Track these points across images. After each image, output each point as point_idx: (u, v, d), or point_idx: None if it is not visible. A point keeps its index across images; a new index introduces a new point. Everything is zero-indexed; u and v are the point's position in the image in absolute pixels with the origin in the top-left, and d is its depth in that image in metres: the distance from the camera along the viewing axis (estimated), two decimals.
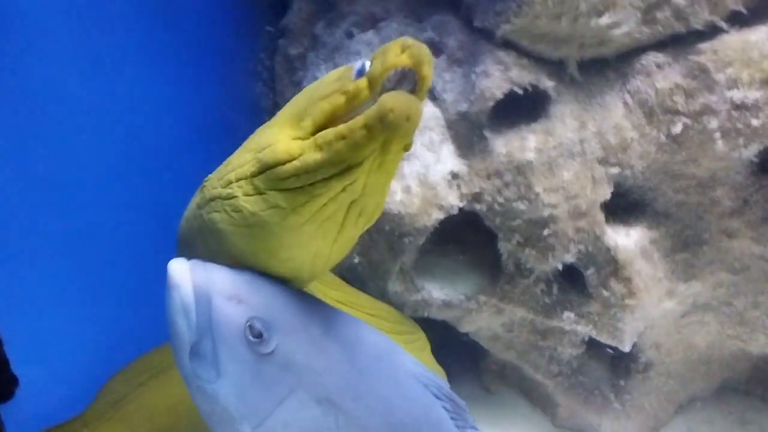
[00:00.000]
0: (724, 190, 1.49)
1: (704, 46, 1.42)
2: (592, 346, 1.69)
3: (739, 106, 1.39)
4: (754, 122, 1.38)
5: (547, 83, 1.53)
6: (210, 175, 1.08)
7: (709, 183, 1.50)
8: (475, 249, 1.69)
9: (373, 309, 1.65)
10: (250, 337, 0.96)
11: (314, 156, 0.87)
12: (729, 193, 1.49)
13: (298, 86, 2.01)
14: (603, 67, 1.53)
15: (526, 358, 1.76)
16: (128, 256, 1.82)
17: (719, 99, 1.40)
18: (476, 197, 1.59)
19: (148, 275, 1.83)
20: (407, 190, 1.58)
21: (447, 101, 1.63)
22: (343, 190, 0.89)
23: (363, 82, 0.86)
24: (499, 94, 1.53)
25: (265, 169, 0.92)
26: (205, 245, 1.05)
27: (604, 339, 1.59)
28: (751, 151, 1.43)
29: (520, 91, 1.53)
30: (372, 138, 0.83)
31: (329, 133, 0.86)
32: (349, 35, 1.90)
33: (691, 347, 1.70)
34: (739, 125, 1.40)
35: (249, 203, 0.95)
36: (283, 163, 0.89)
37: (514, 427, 1.81)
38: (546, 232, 1.55)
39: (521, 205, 1.55)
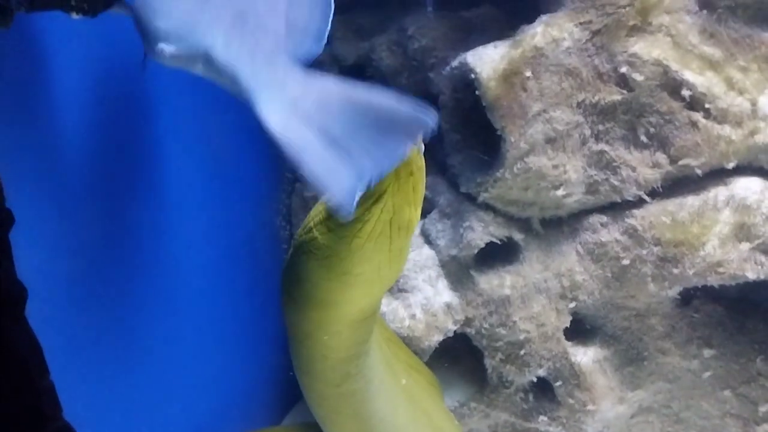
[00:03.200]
0: (657, 319, 1.91)
1: (635, 212, 1.84)
2: None
3: (663, 259, 1.83)
4: (675, 271, 1.81)
5: (518, 236, 1.96)
6: (296, 233, 1.43)
7: (645, 313, 1.91)
8: (466, 364, 2.09)
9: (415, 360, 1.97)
10: None
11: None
12: (661, 321, 1.91)
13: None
14: (559, 224, 1.94)
15: None
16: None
17: (648, 252, 1.84)
18: (467, 323, 2.00)
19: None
20: (413, 317, 1.98)
21: (440, 245, 2.06)
22: (381, 211, 1.23)
23: None
24: (481, 244, 1.95)
25: (332, 213, 1.28)
26: (299, 284, 1.41)
27: None
28: (674, 291, 1.84)
29: (498, 242, 1.97)
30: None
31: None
32: None
33: None
34: (664, 272, 1.83)
35: (325, 239, 1.31)
36: None
37: None
38: (522, 351, 1.96)
39: (502, 330, 1.96)
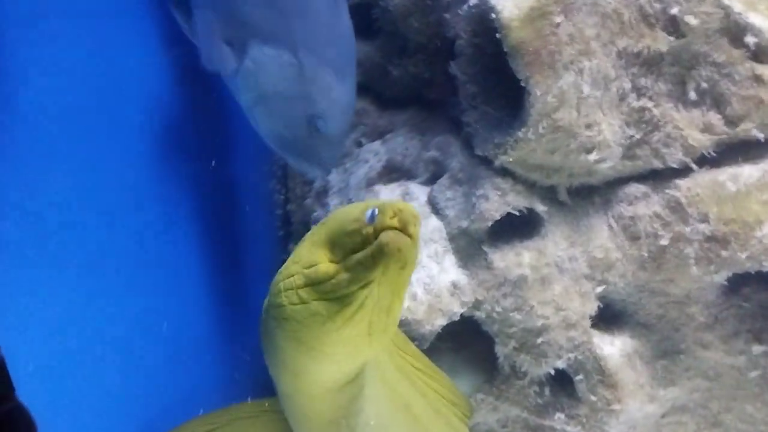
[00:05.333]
0: (698, 308, 1.66)
1: (679, 182, 1.61)
2: None
3: (710, 238, 1.57)
4: (723, 253, 1.56)
5: (540, 207, 1.71)
6: (273, 281, 1.32)
7: (685, 300, 1.66)
8: (474, 351, 1.84)
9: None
10: None
11: (344, 276, 1.16)
12: (702, 310, 1.66)
13: (309, 185, 2.18)
14: (590, 194, 1.71)
15: None
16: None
17: (692, 230, 1.58)
18: (476, 305, 1.75)
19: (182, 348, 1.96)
20: (414, 297, 1.73)
21: (449, 216, 1.80)
22: (366, 297, 1.15)
23: (370, 229, 1.15)
24: (496, 216, 1.70)
25: (311, 284, 1.19)
26: (271, 347, 1.33)
27: None
28: (721, 277, 1.60)
29: (516, 213, 1.70)
30: (376, 263, 1.12)
31: (352, 259, 1.16)
32: (358, 144, 2.08)
33: None
34: (711, 254, 1.58)
35: (296, 312, 1.21)
36: (324, 281, 1.17)
37: None
38: (539, 340, 1.70)
39: (517, 315, 1.71)
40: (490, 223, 1.71)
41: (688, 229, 1.59)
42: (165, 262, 1.98)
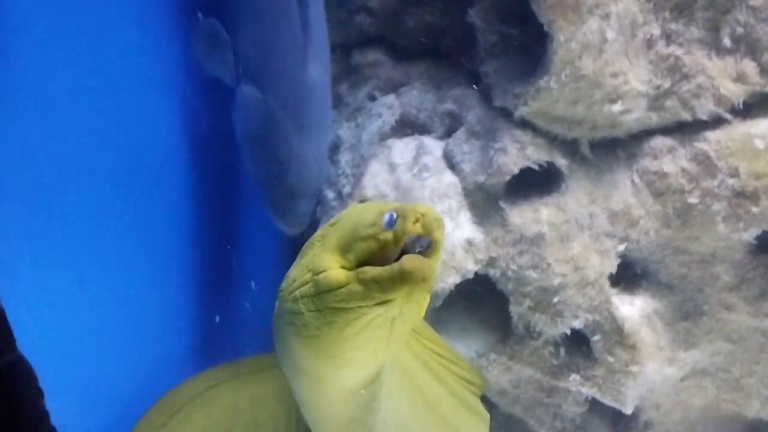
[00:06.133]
0: (723, 267, 1.59)
1: (709, 134, 1.53)
2: (596, 404, 1.78)
3: (740, 194, 1.49)
4: (754, 209, 1.48)
5: (561, 161, 1.63)
6: (282, 285, 1.23)
7: (709, 259, 1.60)
8: (487, 310, 1.78)
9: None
10: None
11: (358, 288, 1.05)
12: (728, 269, 1.59)
13: None
14: (614, 148, 1.63)
15: (532, 413, 1.85)
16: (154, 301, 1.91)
17: (721, 185, 1.51)
18: (491, 263, 1.69)
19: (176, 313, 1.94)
20: None
21: (465, 171, 1.73)
22: (384, 312, 1.06)
23: (390, 235, 1.04)
24: (515, 170, 1.63)
25: (321, 291, 1.09)
26: (286, 352, 1.25)
27: (607, 401, 1.68)
28: (750, 234, 1.53)
29: (536, 167, 1.63)
30: (396, 288, 1.02)
31: (368, 273, 1.04)
32: (371, 98, 2.00)
33: (689, 408, 1.78)
34: (740, 211, 1.50)
35: (312, 318, 1.12)
36: (335, 289, 1.07)
37: None
38: (556, 299, 1.65)
39: (533, 273, 1.65)
40: (507, 178, 1.64)
41: (716, 184, 1.51)
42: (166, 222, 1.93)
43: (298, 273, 1.18)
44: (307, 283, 1.13)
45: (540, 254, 1.63)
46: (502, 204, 1.67)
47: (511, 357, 1.76)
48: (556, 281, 1.63)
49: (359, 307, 1.04)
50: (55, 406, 1.37)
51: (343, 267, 1.08)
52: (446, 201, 1.72)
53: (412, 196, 1.72)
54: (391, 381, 1.34)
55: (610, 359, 1.63)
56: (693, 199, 1.54)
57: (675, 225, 1.58)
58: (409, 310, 1.06)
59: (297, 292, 1.15)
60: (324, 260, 1.11)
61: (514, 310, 1.72)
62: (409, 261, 1.00)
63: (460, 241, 1.68)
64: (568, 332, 1.67)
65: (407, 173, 1.76)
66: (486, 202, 1.70)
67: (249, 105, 1.77)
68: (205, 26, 1.80)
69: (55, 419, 1.47)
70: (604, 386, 1.66)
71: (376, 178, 1.78)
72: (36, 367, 1.29)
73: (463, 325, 1.80)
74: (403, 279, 1.00)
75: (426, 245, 1.03)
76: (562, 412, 1.81)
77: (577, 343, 1.69)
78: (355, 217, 1.15)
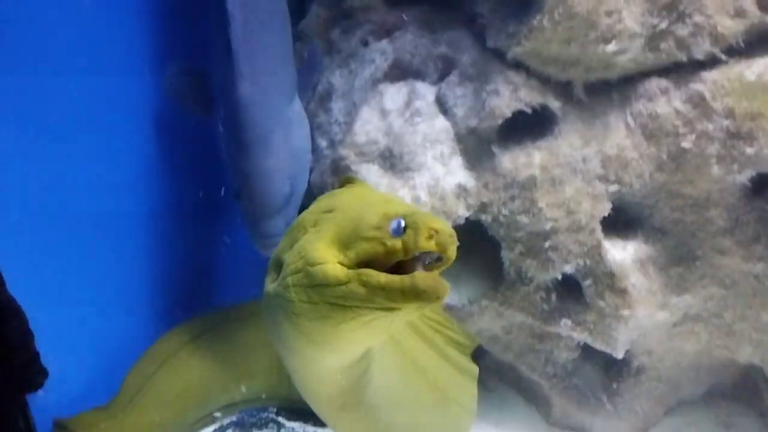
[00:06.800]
0: (717, 211, 1.57)
1: (704, 75, 1.49)
2: (587, 350, 1.78)
3: (734, 135, 1.46)
4: (748, 150, 1.45)
5: (554, 103, 1.61)
6: (271, 263, 1.23)
7: (703, 203, 1.57)
8: (479, 256, 1.77)
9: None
10: None
11: (359, 290, 1.01)
12: (722, 213, 1.57)
13: (312, 89, 2.07)
14: (608, 90, 1.60)
15: (524, 359, 1.85)
16: (144, 249, 1.92)
17: (716, 127, 1.48)
18: (482, 208, 1.67)
19: (165, 268, 1.94)
20: (417, 200, 1.66)
21: (457, 116, 1.70)
22: (386, 315, 1.04)
23: (399, 244, 1.00)
24: (507, 113, 1.60)
25: (316, 285, 1.06)
26: (277, 332, 1.23)
27: (598, 346, 1.68)
28: (744, 176, 1.50)
29: (529, 110, 1.61)
30: (406, 302, 0.99)
31: (372, 277, 1.01)
32: (365, 43, 1.96)
33: (682, 354, 1.78)
34: (734, 152, 1.47)
35: (304, 310, 1.09)
36: (332, 285, 1.04)
37: (510, 423, 1.90)
38: (547, 244, 1.63)
39: (524, 218, 1.63)
40: (500, 121, 1.62)
41: (711, 126, 1.48)
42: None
43: (291, 259, 1.13)
44: (299, 271, 1.09)
45: (531, 199, 1.62)
46: (494, 149, 1.65)
47: (502, 303, 1.75)
48: (548, 226, 1.61)
49: (358, 307, 1.02)
50: (49, 358, 1.40)
51: (340, 263, 1.04)
52: (438, 146, 1.70)
53: (404, 141, 1.69)
54: (382, 353, 1.33)
55: (601, 304, 1.63)
56: (687, 143, 1.52)
57: (669, 168, 1.56)
58: (412, 312, 1.04)
59: (288, 279, 1.11)
60: (319, 251, 1.07)
61: (505, 256, 1.71)
62: (423, 280, 0.97)
63: (452, 187, 1.67)
64: (560, 277, 1.66)
65: (399, 119, 1.73)
66: (478, 146, 1.68)
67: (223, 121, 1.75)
68: (174, 71, 1.82)
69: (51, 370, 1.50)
70: (595, 331, 1.66)
71: (368, 125, 1.76)
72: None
73: (455, 273, 1.78)
74: (416, 296, 0.97)
75: (435, 258, 1.01)
76: (553, 358, 1.81)
77: (569, 288, 1.69)
78: (354, 211, 1.12)
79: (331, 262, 1.04)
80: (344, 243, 1.05)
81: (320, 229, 1.13)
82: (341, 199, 1.22)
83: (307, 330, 1.13)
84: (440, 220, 1.02)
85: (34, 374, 1.51)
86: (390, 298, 0.99)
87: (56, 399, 1.67)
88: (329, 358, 1.21)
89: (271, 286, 1.22)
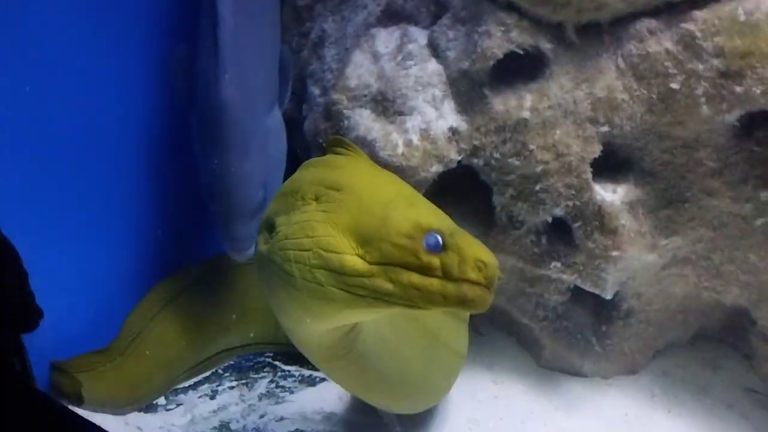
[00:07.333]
0: (707, 152, 1.58)
1: (695, 14, 1.48)
2: (577, 293, 1.81)
3: (724, 74, 1.46)
4: (738, 89, 1.45)
5: (546, 45, 1.60)
6: (261, 226, 1.25)
7: (693, 144, 1.58)
8: (470, 202, 1.79)
9: None
10: None
11: (385, 285, 1.02)
12: (711, 154, 1.58)
13: (305, 36, 2.06)
14: (599, 32, 1.59)
15: (515, 303, 1.88)
16: (144, 190, 1.93)
17: (706, 66, 1.48)
18: (474, 152, 1.68)
19: (164, 208, 1.95)
20: (409, 143, 1.67)
21: (449, 58, 1.70)
22: (405, 310, 1.06)
23: (436, 262, 1.00)
24: (499, 54, 1.60)
25: (329, 269, 1.06)
26: (273, 297, 1.24)
27: (587, 287, 1.70)
28: (733, 116, 1.50)
29: (520, 52, 1.60)
30: (447, 306, 1.01)
31: (403, 276, 1.01)
32: None
33: (670, 297, 1.80)
34: (724, 91, 1.47)
35: (307, 288, 1.09)
36: (351, 276, 1.04)
37: (501, 366, 1.94)
38: (538, 186, 1.65)
39: (516, 161, 1.65)
40: (492, 63, 1.62)
41: (701, 66, 1.48)
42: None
43: (291, 231, 1.13)
44: (305, 249, 1.09)
45: (523, 141, 1.63)
46: (486, 91, 1.65)
47: (494, 247, 1.76)
48: (539, 168, 1.63)
49: (375, 299, 1.02)
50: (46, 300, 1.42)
51: (359, 256, 1.04)
52: (430, 90, 1.70)
53: (396, 85, 1.70)
54: (378, 326, 1.34)
55: (591, 245, 1.65)
56: (676, 83, 1.52)
57: (659, 109, 1.56)
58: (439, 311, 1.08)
59: (291, 254, 1.11)
60: (334, 239, 1.07)
61: (497, 200, 1.73)
62: (472, 290, 0.99)
63: (444, 130, 1.67)
64: (550, 220, 1.68)
65: (391, 62, 1.73)
66: (470, 89, 1.68)
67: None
68: (179, 53, 1.81)
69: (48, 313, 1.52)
70: (585, 272, 1.68)
71: (360, 69, 1.76)
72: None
73: None
74: (462, 304, 0.99)
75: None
76: (544, 302, 1.84)
77: (559, 231, 1.71)
78: (367, 199, 1.10)
79: (349, 254, 1.04)
80: (364, 239, 1.05)
81: (329, 211, 1.11)
82: (347, 177, 1.20)
83: (306, 304, 1.13)
84: (482, 246, 1.02)
85: (29, 314, 1.53)
86: (428, 300, 1.00)
87: (54, 342, 1.70)
88: (322, 325, 1.22)
89: (263, 246, 1.23)
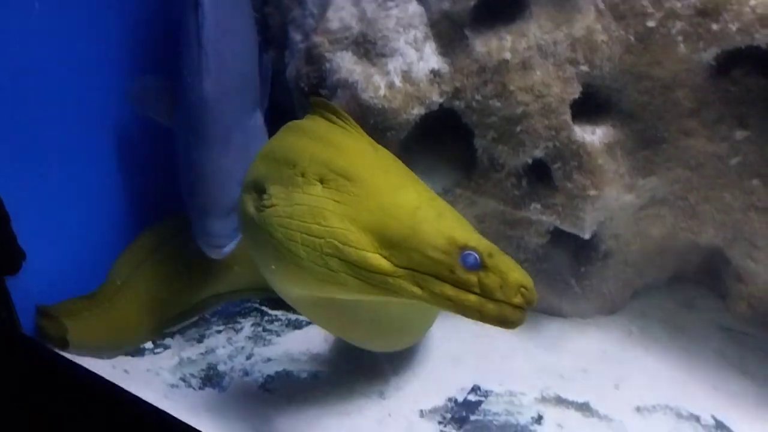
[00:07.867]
0: (684, 92, 1.59)
1: None
2: (557, 235, 1.84)
3: (701, 12, 1.47)
4: (714, 27, 1.47)
5: None
6: (244, 194, 1.27)
7: (670, 85, 1.59)
8: (452, 146, 1.80)
9: None
10: None
11: (411, 288, 1.06)
12: (688, 94, 1.59)
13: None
14: None
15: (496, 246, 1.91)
16: (130, 138, 1.94)
17: (683, 4, 1.49)
18: (455, 94, 1.69)
19: (150, 157, 1.95)
20: (391, 85, 1.68)
21: (431, 0, 1.70)
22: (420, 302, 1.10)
23: (473, 279, 1.05)
24: None
25: (345, 260, 1.09)
26: (262, 256, 1.26)
27: (566, 227, 1.73)
28: (709, 55, 1.52)
29: None
30: (481, 320, 1.06)
31: (436, 285, 1.05)
32: None
33: (648, 238, 1.84)
34: (700, 30, 1.49)
35: (313, 270, 1.11)
36: (372, 273, 1.08)
37: None
38: (518, 128, 1.66)
39: (497, 103, 1.66)
40: (472, 3, 1.62)
41: (678, 4, 1.49)
42: None
43: (296, 212, 1.14)
44: (317, 236, 1.11)
45: (503, 82, 1.64)
46: (467, 32, 1.66)
47: (475, 191, 1.80)
48: (519, 110, 1.64)
49: (395, 293, 1.06)
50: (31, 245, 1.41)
51: (382, 255, 1.08)
52: (411, 32, 1.70)
53: (377, 26, 1.70)
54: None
55: (569, 185, 1.67)
56: (654, 22, 1.53)
57: (637, 50, 1.57)
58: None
59: (297, 235, 1.13)
60: (353, 234, 1.09)
61: (478, 143, 1.74)
62: (513, 313, 1.04)
63: (425, 72, 1.68)
64: (530, 162, 1.70)
65: (372, 4, 1.73)
66: (451, 31, 1.68)
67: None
68: (138, 85, 1.82)
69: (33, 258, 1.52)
70: (563, 213, 1.71)
71: (341, 11, 1.76)
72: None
73: (430, 163, 1.83)
74: (500, 323, 1.04)
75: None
76: (524, 244, 1.87)
77: (539, 173, 1.73)
78: (401, 211, 1.12)
79: (371, 252, 1.08)
80: (390, 243, 1.08)
81: (342, 203, 1.13)
82: (357, 166, 1.20)
83: (306, 280, 1.15)
84: (520, 269, 1.07)
85: (11, 256, 1.54)
86: (461, 311, 1.04)
87: (39, 287, 1.72)
88: (313, 294, 1.24)
89: (252, 209, 1.24)
